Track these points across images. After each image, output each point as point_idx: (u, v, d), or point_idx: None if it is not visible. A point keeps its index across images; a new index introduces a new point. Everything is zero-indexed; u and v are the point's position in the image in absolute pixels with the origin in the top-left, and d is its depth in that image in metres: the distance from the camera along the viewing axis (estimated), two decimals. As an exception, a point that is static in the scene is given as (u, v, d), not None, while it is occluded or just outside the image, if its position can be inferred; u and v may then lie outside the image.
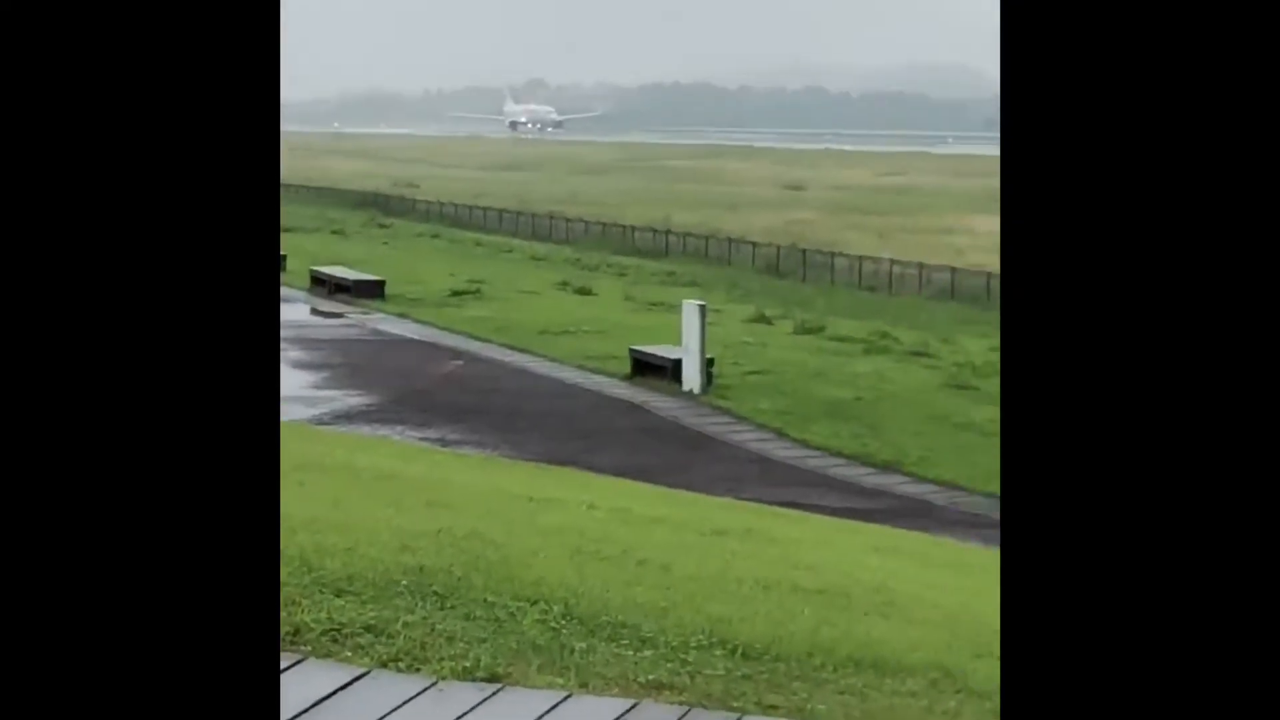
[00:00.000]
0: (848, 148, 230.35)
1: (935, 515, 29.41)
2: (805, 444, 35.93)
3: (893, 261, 75.83)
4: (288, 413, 32.11)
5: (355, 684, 7.14)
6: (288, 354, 43.50)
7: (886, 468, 33.71)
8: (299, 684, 6.99)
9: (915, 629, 11.02)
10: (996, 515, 27.64)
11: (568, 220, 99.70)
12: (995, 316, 64.34)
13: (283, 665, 7.08)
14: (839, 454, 35.01)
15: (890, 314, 60.68)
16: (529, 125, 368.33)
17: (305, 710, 6.80)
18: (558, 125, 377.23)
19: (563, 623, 8.93)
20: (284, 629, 7.87)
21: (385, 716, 6.86)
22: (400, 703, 6.99)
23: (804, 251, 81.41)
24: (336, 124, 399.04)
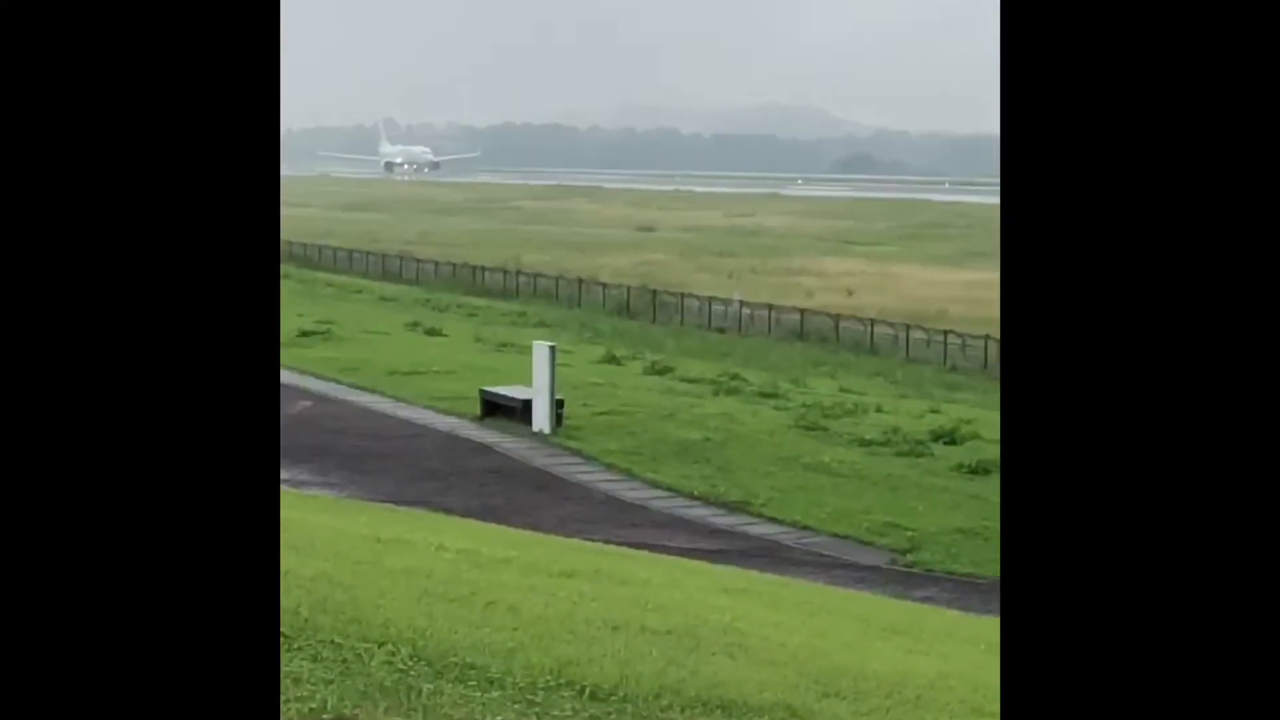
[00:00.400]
0: (698, 189, 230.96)
1: (783, 556, 29.59)
2: (654, 484, 36.21)
3: (742, 303, 76.08)
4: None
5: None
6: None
7: (735, 508, 33.99)
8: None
9: (763, 669, 11.04)
10: (845, 556, 27.76)
11: (418, 261, 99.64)
12: (844, 358, 65.00)
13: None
14: (688, 495, 35.23)
15: (740, 355, 60.97)
16: (405, 167, 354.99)
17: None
18: (435, 167, 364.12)
19: (410, 664, 8.91)
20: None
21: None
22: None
23: (654, 293, 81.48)
24: None
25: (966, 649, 15.80)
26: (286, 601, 9.72)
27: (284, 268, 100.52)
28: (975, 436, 42.47)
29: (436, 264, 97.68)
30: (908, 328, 67.32)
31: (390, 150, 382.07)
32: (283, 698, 7.74)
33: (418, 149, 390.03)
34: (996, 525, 26.23)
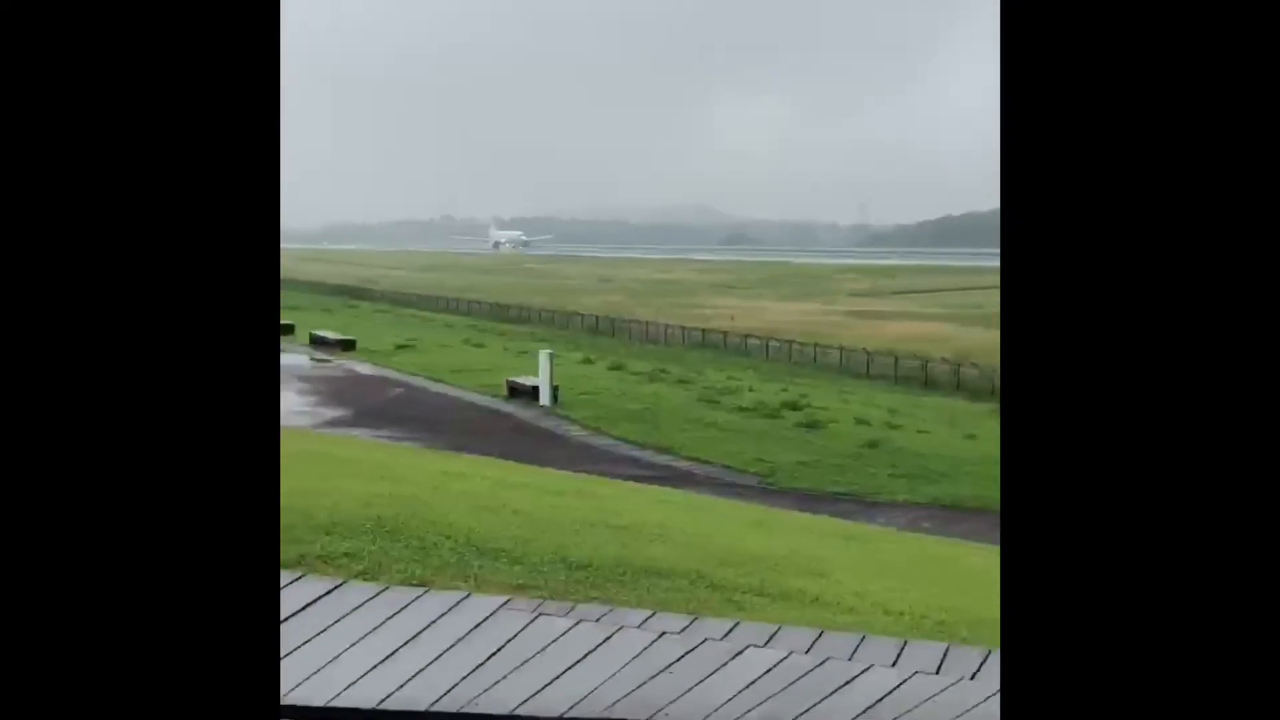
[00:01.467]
0: (638, 256, 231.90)
1: (692, 479, 29.77)
2: (613, 437, 36.78)
3: (666, 325, 76.71)
4: (290, 422, 31.78)
5: (335, 591, 7.11)
6: (292, 385, 43.36)
7: (662, 451, 34.52)
8: (298, 592, 6.94)
9: (680, 550, 11.09)
10: (729, 479, 27.55)
11: (468, 301, 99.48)
12: (729, 358, 65.00)
13: (287, 580, 7.03)
14: (634, 443, 35.73)
15: (665, 358, 61.13)
16: (507, 245, 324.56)
17: (301, 609, 6.75)
18: (525, 245, 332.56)
19: (465, 549, 8.97)
20: (291, 556, 7.83)
21: (351, 612, 6.82)
22: (362, 602, 6.96)
23: (613, 320, 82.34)
24: (325, 243, 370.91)
25: (806, 536, 15.87)
26: (386, 512, 9.78)
27: (385, 307, 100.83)
28: (809, 405, 42.70)
29: (479, 304, 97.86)
30: (768, 340, 67.71)
31: (497, 234, 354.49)
32: (387, 571, 7.77)
33: (514, 233, 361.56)
34: (824, 458, 26.19)
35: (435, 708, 5.80)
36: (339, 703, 5.84)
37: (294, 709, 5.70)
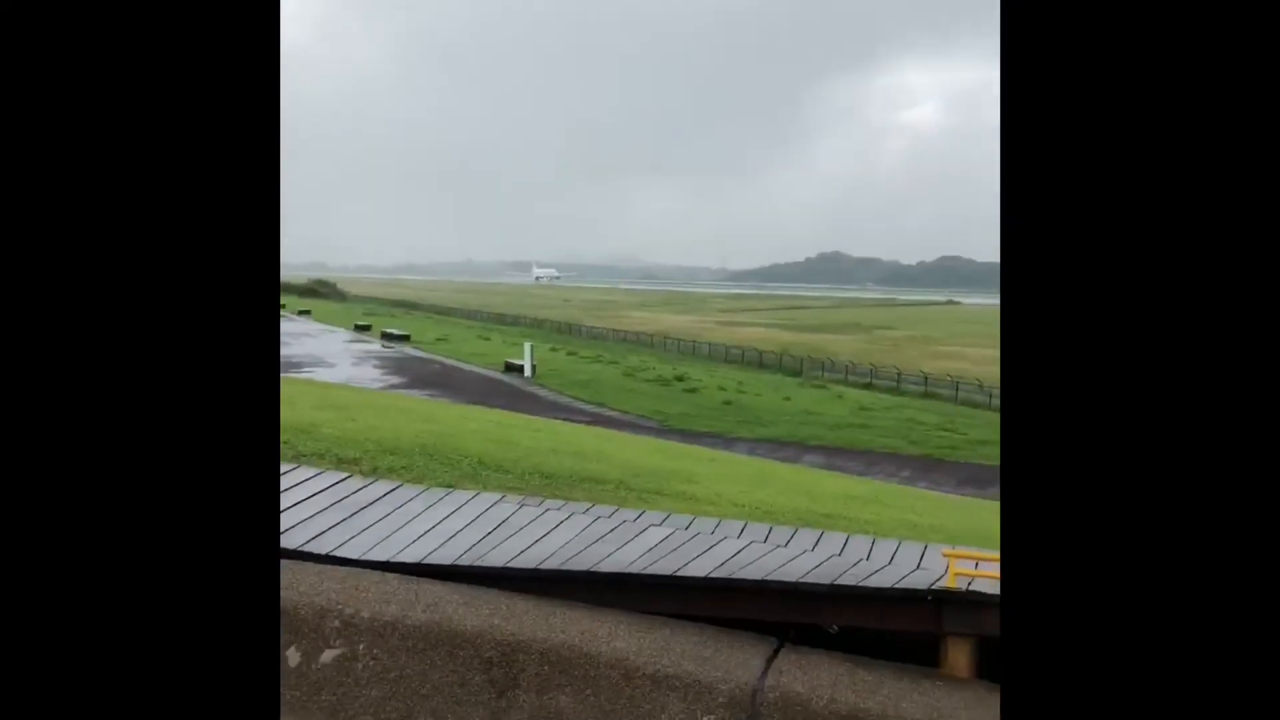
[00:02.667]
0: (589, 285, 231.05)
1: (618, 423, 29.62)
2: (571, 397, 36.30)
3: (606, 329, 76.70)
4: (368, 385, 31.37)
5: (396, 490, 7.00)
6: (370, 362, 42.80)
7: (599, 405, 34.12)
8: (372, 490, 6.84)
9: (611, 466, 11.05)
10: (642, 424, 27.32)
11: (478, 311, 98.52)
12: (642, 350, 64.97)
13: (365, 484, 6.92)
14: (583, 401, 35.36)
15: (603, 348, 60.97)
16: (544, 279, 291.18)
17: (374, 501, 6.65)
18: (557, 278, 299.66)
19: (478, 467, 8.86)
20: (367, 469, 7.69)
21: (407, 502, 6.73)
22: (413, 496, 6.87)
23: (570, 325, 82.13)
24: (401, 274, 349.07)
25: (686, 458, 15.87)
26: (427, 442, 9.66)
27: (430, 314, 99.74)
28: (689, 378, 42.69)
29: (486, 313, 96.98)
30: (665, 337, 67.71)
31: (538, 270, 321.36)
32: (428, 478, 7.67)
33: (550, 270, 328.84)
34: (698, 411, 26.11)
35: (459, 562, 5.72)
36: (399, 558, 5.76)
37: (364, 562, 5.61)
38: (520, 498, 7.53)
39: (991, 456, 27.86)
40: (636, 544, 6.20)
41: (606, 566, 5.73)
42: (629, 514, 7.04)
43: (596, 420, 29.52)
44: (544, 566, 5.73)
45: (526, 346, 44.30)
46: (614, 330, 76.47)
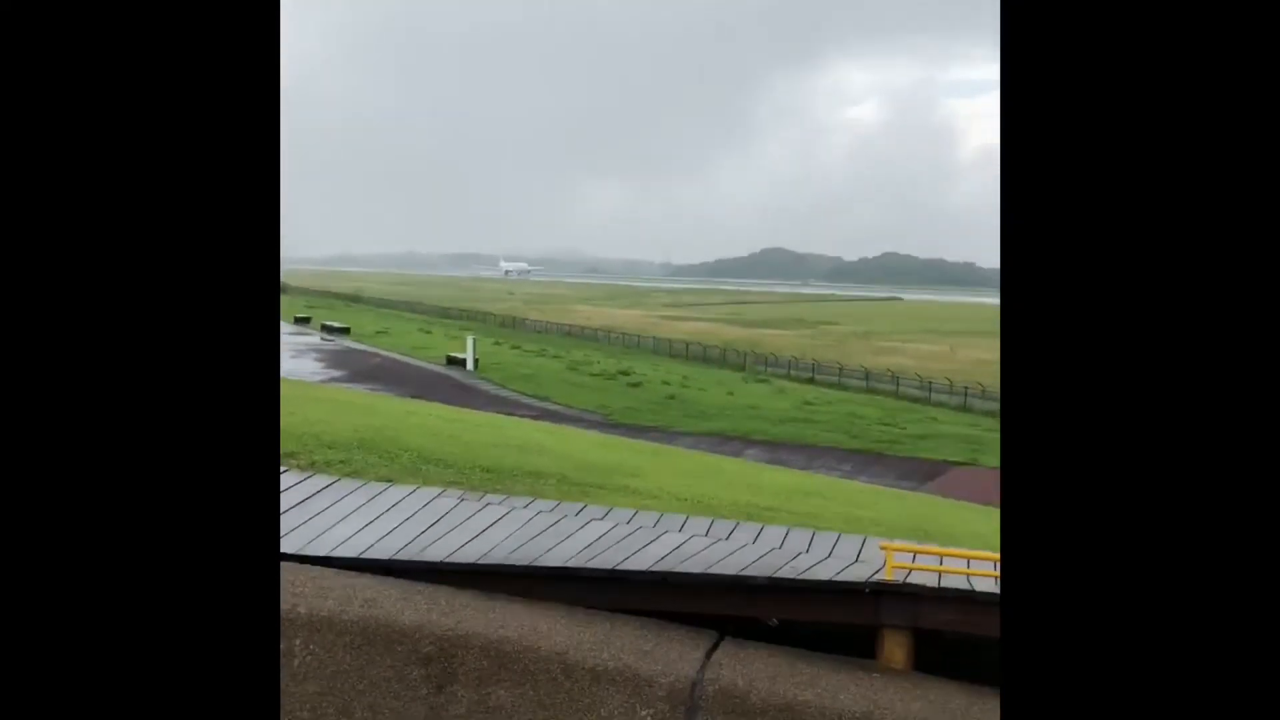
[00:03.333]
0: (536, 279, 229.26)
1: (561, 417, 29.57)
2: (513, 391, 36.14)
3: (547, 322, 76.55)
4: (307, 379, 30.91)
5: (334, 484, 6.92)
6: (310, 355, 42.24)
7: (542, 399, 34.05)
8: (310, 484, 6.74)
9: (554, 460, 11.03)
10: (584, 417, 27.24)
11: (419, 304, 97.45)
12: (584, 344, 65.18)
13: (301, 478, 6.82)
14: (526, 394, 35.23)
15: (546, 342, 60.83)
16: (514, 273, 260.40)
17: (312, 495, 6.56)
18: (526, 273, 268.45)
19: (417, 461, 8.79)
20: (305, 463, 7.59)
21: (345, 496, 6.66)
22: (350, 491, 6.80)
23: (514, 319, 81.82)
24: (338, 266, 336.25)
25: (630, 452, 15.90)
26: (367, 436, 9.57)
27: (371, 308, 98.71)
28: (634, 372, 42.77)
29: (427, 306, 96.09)
30: (608, 331, 67.77)
31: (506, 264, 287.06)
32: (368, 473, 7.60)
33: (521, 264, 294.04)
34: (642, 405, 26.09)
35: (398, 557, 5.67)
36: (337, 553, 5.69)
37: (299, 556, 5.53)
38: (461, 492, 7.49)
39: (929, 451, 28.37)
40: (578, 538, 6.20)
41: (547, 561, 5.73)
42: (571, 508, 7.03)
43: (540, 414, 29.44)
44: (484, 561, 5.71)
45: (469, 340, 44.03)
46: (558, 324, 76.37)
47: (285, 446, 8.16)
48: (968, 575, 5.14)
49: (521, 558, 5.91)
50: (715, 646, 4.63)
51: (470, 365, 41.95)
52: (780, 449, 27.08)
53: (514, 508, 6.90)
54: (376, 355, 47.54)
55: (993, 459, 23.98)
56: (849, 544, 6.45)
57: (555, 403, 33.85)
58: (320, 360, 43.12)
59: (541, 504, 7.16)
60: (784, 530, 7.06)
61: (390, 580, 5.32)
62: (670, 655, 4.47)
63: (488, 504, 6.93)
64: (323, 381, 33.39)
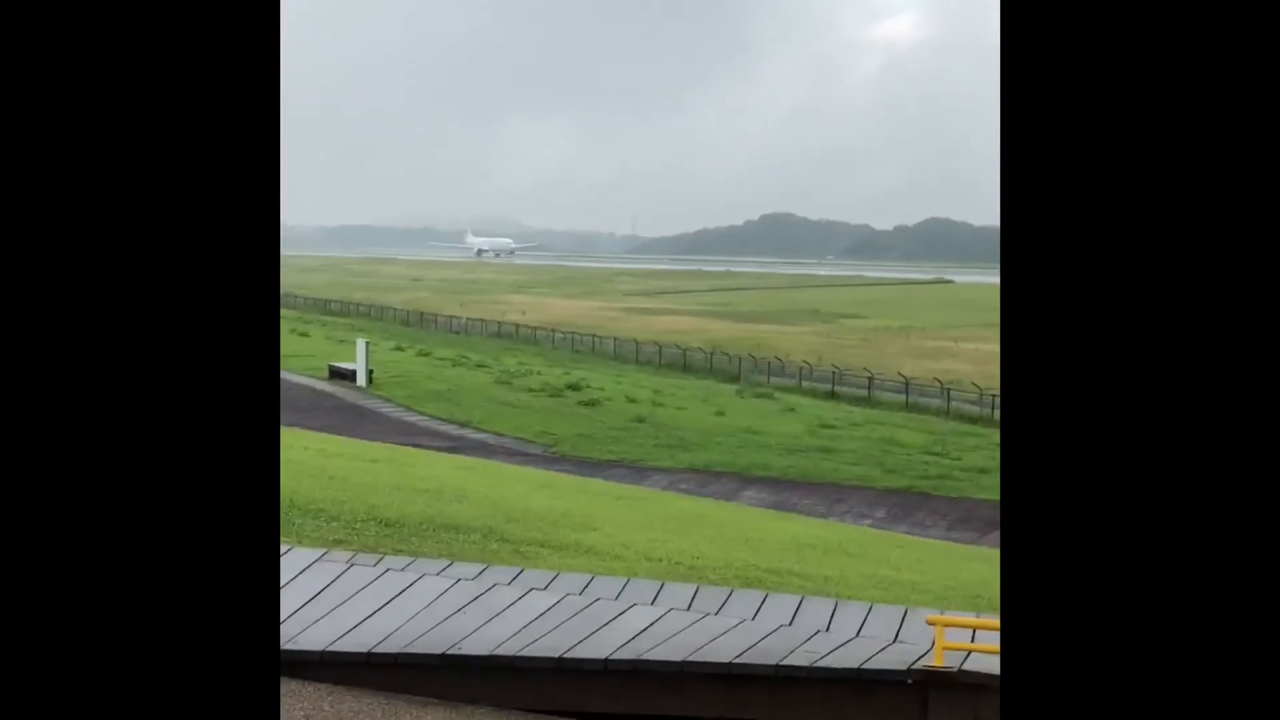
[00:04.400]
0: (445, 259, 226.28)
1: (489, 448, 29.59)
2: (423, 413, 36.28)
3: (468, 319, 76.45)
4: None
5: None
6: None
7: (463, 425, 34.30)
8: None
9: (477, 508, 11.02)
10: (521, 449, 27.42)
11: (295, 296, 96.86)
12: (520, 347, 65.24)
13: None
14: (440, 418, 35.33)
15: (468, 346, 60.84)
16: (491, 253, 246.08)
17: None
18: (512, 253, 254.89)
19: (291, 509, 8.79)
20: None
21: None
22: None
23: (422, 314, 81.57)
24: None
25: (583, 496, 15.92)
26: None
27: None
28: (588, 386, 42.82)
29: (303, 298, 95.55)
30: (553, 330, 67.84)
31: (476, 240, 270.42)
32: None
33: (501, 240, 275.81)
34: (600, 431, 26.33)
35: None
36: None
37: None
38: (350, 554, 7.43)
39: (991, 490, 28.54)
40: (511, 616, 6.17)
41: (469, 647, 5.70)
42: (502, 574, 7.01)
43: (459, 446, 29.41)
44: (380, 650, 5.66)
45: (360, 345, 43.70)
46: (482, 321, 76.21)
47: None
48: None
49: (434, 643, 5.90)
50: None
51: (362, 379, 41.72)
52: (789, 489, 27.17)
53: (423, 574, 6.89)
54: (232, 366, 47.59)
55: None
56: (884, 618, 6.48)
57: (480, 429, 33.79)
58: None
59: (461, 569, 7.14)
60: (795, 600, 7.08)
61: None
62: (641, 776, 4.49)
63: (386, 570, 6.89)
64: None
